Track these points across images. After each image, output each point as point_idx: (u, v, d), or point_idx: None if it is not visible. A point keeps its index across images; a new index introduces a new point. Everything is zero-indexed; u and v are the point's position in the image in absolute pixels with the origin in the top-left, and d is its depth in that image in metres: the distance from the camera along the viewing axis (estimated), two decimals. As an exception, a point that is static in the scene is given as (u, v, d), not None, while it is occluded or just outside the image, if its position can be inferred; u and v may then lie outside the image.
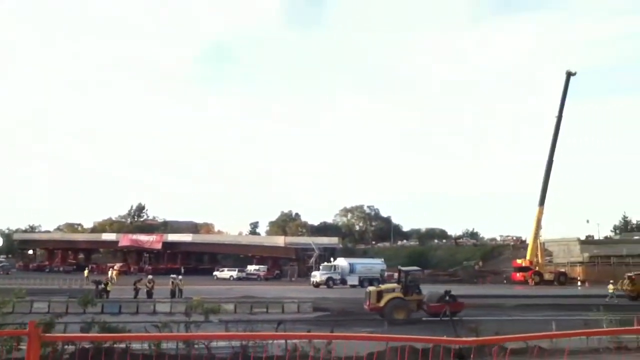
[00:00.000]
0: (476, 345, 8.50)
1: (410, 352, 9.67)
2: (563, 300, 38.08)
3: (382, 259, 69.00)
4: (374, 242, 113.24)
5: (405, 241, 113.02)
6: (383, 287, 29.12)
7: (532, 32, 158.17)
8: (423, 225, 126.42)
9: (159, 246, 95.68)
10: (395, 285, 28.23)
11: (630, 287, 42.73)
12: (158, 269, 77.94)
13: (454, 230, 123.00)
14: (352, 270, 61.97)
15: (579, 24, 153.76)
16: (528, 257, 70.38)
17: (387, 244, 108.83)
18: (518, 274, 68.97)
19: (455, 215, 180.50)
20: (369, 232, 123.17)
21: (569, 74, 70.20)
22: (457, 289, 38.76)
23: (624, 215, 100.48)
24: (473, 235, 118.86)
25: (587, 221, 79.07)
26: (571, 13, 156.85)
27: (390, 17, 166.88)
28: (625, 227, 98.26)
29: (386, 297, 26.08)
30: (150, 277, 39.18)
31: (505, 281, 70.42)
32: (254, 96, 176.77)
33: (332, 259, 68.08)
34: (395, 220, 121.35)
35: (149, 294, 35.79)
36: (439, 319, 24.42)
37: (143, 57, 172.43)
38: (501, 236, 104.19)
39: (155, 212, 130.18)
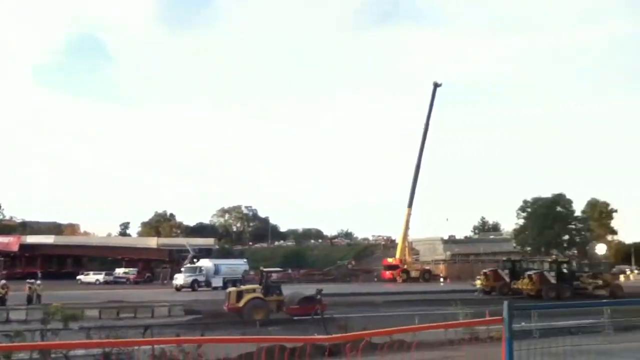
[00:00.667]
0: (344, 341, 8.74)
1: (280, 352, 9.72)
2: (427, 296, 40.47)
3: (246, 260, 67.34)
4: (251, 243, 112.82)
5: (282, 241, 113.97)
6: (244, 287, 29.16)
7: (402, 42, 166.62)
8: (300, 225, 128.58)
9: (15, 248, 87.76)
10: (256, 286, 28.34)
11: (485, 282, 46.52)
12: (14, 273, 71.60)
13: (330, 230, 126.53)
14: (217, 271, 59.26)
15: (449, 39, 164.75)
16: (398, 255, 74.02)
17: (264, 245, 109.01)
18: (387, 272, 72.26)
19: (330, 216, 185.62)
20: (246, 232, 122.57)
21: (436, 85, 75.08)
22: (330, 288, 39.88)
23: (482, 217, 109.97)
24: (347, 235, 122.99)
25: (447, 219, 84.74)
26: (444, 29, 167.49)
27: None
28: (483, 228, 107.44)
29: (246, 298, 26.07)
30: (3, 282, 35.84)
31: (375, 279, 73.47)
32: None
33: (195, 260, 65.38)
34: (272, 220, 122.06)
35: (2, 300, 32.78)
36: (310, 317, 24.73)
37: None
38: (373, 236, 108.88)
39: (12, 211, 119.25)
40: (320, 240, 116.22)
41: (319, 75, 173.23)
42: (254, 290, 26.98)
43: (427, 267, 76.13)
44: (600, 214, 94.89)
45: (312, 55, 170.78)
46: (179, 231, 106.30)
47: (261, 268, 30.35)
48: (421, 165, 74.16)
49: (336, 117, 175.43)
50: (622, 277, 73.05)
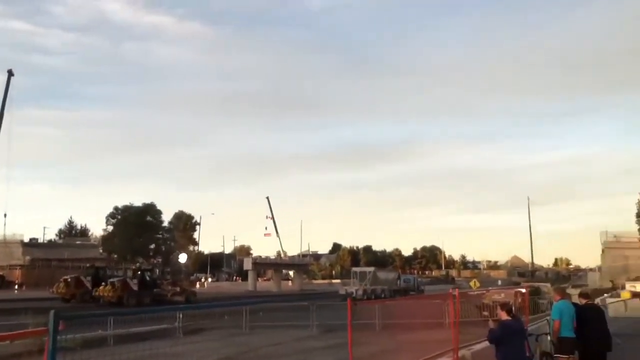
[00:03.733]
0: None
1: None
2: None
3: None
4: None
5: None
6: None
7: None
8: None
9: None
10: None
11: (65, 290, 44.20)
12: None
13: None
14: None
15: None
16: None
17: None
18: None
19: None
20: None
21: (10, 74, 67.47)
22: None
23: (70, 220, 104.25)
24: None
25: (5, 215, 72.00)
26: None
27: None
28: (70, 232, 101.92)
29: None
30: None
31: None
32: None
33: None
34: None
35: None
36: None
37: None
38: None
39: None
40: None
41: None
42: None
43: (1, 273, 67.75)
44: (184, 226, 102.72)
45: None
46: None
47: None
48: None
49: None
50: (198, 284, 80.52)
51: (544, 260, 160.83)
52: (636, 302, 31.85)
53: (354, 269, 65.27)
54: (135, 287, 43.50)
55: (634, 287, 39.10)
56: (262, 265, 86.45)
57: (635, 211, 48.13)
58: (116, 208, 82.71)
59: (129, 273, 47.36)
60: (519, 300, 18.43)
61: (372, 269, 62.18)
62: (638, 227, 48.81)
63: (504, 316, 8.68)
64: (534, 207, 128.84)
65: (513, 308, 9.35)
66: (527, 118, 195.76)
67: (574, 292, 17.76)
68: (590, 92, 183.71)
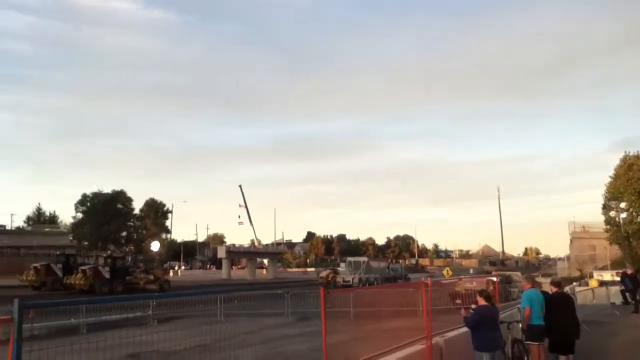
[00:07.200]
0: None
1: None
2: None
3: None
4: None
5: None
6: None
7: None
8: None
9: None
10: None
11: (35, 277, 43.51)
12: None
13: None
14: None
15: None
16: None
17: None
18: None
19: None
20: None
21: None
22: None
23: (38, 207, 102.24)
24: None
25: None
26: None
27: None
28: (39, 219, 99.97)
29: None
30: None
31: None
32: None
33: None
34: None
35: None
36: None
37: None
38: None
39: None
40: None
41: None
42: None
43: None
44: (156, 213, 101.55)
45: None
46: None
47: None
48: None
49: None
50: (172, 273, 79.93)
51: (514, 249, 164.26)
52: (602, 290, 32.80)
53: (349, 258, 67.77)
54: (107, 275, 43.10)
55: (601, 276, 40.20)
56: (236, 254, 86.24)
57: (602, 203, 49.35)
58: (85, 195, 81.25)
59: (100, 261, 46.77)
60: (490, 288, 18.79)
61: (365, 258, 68.00)
62: (604, 218, 50.07)
63: (481, 302, 8.86)
64: (505, 199, 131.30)
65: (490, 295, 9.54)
66: (501, 114, 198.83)
67: (544, 281, 18.16)
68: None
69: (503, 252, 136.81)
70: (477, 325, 8.59)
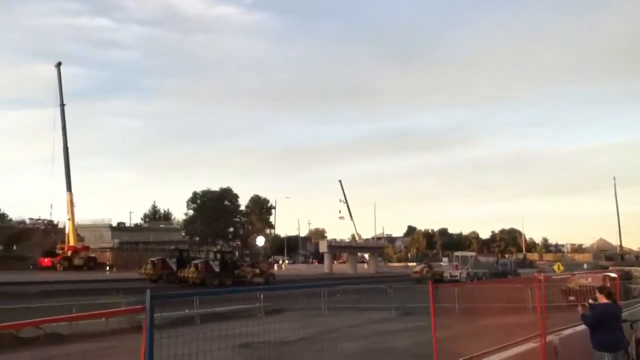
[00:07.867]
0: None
1: None
2: (89, 285, 38.23)
3: None
4: None
5: None
6: None
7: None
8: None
9: None
10: None
11: (152, 271, 46.53)
12: None
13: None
14: None
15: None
16: (72, 242, 68.34)
17: None
18: (46, 259, 65.91)
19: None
20: None
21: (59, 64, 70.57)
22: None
23: (154, 205, 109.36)
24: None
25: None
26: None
27: None
28: (154, 216, 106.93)
29: None
30: None
31: (31, 267, 66.11)
32: None
33: None
34: None
35: None
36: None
37: None
38: (31, 219, 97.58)
39: None
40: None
41: None
42: None
43: (93, 255, 72.19)
44: (261, 209, 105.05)
45: None
46: None
47: None
48: (69, 147, 68.86)
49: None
50: (276, 267, 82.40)
51: (634, 243, 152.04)
52: None
53: (456, 253, 67.00)
54: (217, 269, 45.16)
55: None
56: (337, 248, 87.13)
57: None
58: (195, 193, 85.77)
59: (211, 255, 49.15)
60: (608, 284, 17.57)
61: (473, 253, 67.85)
62: None
63: (602, 299, 8.33)
64: (621, 188, 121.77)
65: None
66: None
67: (670, 277, 16.69)
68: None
69: (621, 245, 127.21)
70: (598, 323, 8.07)
